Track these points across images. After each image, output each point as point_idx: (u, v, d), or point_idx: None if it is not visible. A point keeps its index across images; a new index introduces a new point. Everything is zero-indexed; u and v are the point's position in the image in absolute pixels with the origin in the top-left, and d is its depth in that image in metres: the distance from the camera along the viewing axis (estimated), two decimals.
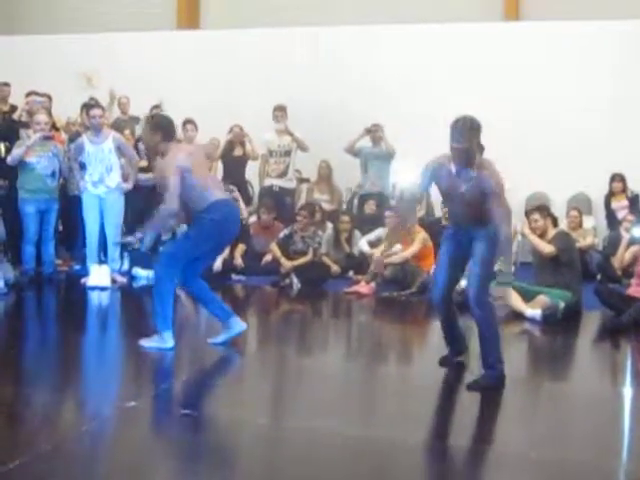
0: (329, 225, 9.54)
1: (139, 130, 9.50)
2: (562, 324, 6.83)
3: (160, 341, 5.47)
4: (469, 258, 4.82)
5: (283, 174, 10.06)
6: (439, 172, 4.73)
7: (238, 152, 10.06)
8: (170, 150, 5.39)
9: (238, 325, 5.72)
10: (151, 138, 5.51)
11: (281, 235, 9.20)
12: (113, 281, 8.17)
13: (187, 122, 9.92)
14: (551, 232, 7.38)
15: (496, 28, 11.04)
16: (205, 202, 5.36)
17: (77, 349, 5.89)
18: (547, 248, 7.16)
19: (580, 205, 10.18)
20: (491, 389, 4.58)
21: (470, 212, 4.67)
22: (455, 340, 5.17)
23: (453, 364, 5.12)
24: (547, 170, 10.20)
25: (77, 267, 8.70)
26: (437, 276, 5.04)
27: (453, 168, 4.63)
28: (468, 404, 4.53)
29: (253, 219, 9.84)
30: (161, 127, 5.47)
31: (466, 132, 4.47)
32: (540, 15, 11.04)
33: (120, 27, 12.14)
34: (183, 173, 5.26)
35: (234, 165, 10.07)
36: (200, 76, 11.48)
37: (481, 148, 4.69)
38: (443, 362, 5.14)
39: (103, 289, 7.93)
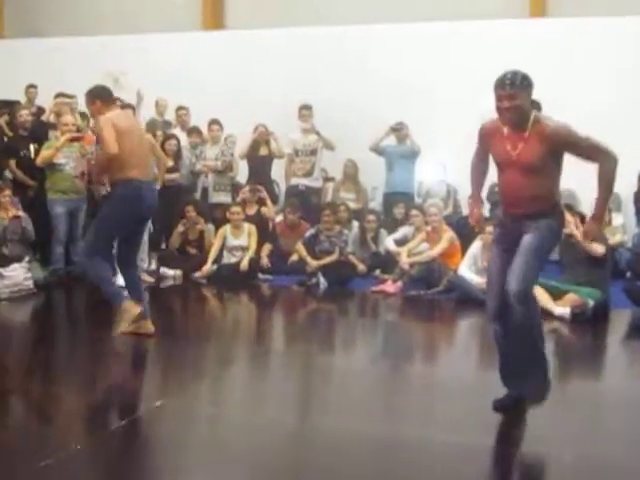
0: (355, 224, 9.54)
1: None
2: (591, 322, 6.78)
3: (125, 314, 5.66)
4: None
5: (309, 173, 10.06)
6: (491, 139, 4.11)
7: (263, 151, 10.07)
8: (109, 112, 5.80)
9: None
10: (92, 107, 5.97)
11: (307, 234, 9.21)
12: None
13: (213, 122, 9.97)
14: (581, 230, 7.34)
15: (522, 25, 10.96)
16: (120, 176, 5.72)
17: (106, 348, 5.94)
18: (599, 248, 7.13)
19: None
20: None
21: (526, 185, 3.96)
22: (517, 374, 4.13)
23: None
24: (575, 168, 10.07)
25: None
26: (491, 285, 4.17)
27: (505, 130, 4.02)
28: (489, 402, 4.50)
29: (279, 219, 9.85)
30: (97, 94, 5.91)
31: (516, 87, 3.88)
32: (568, 12, 10.93)
33: (146, 28, 12.21)
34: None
35: (260, 164, 10.09)
36: (226, 76, 11.51)
37: (537, 106, 4.09)
38: (499, 407, 4.13)
39: None
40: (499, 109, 3.95)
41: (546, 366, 4.10)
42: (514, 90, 3.87)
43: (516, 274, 3.89)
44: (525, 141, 3.94)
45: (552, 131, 3.93)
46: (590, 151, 4.06)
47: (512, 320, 3.96)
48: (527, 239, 3.95)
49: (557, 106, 10.96)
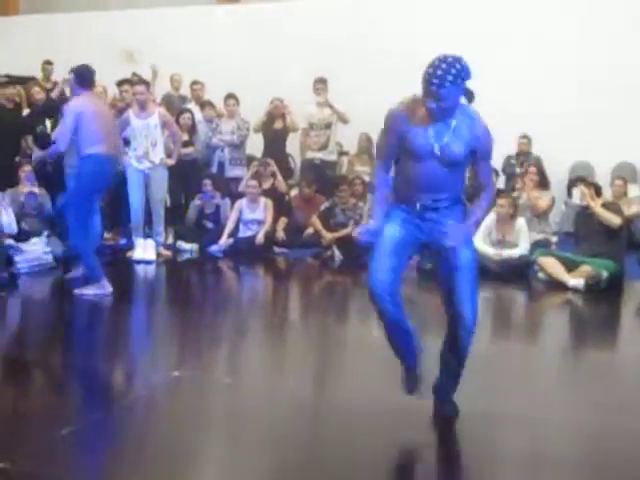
0: (370, 197, 9.55)
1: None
2: (605, 294, 6.79)
3: (99, 288, 6.19)
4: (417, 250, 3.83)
5: (324, 147, 10.06)
6: (403, 125, 3.49)
7: (278, 125, 10.08)
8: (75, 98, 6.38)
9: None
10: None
11: (322, 208, 9.24)
12: (158, 255, 8.31)
13: (229, 97, 9.98)
14: (597, 202, 7.35)
15: None
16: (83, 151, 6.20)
17: (123, 321, 6.03)
18: (615, 219, 7.13)
19: (624, 173, 10.03)
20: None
21: (442, 180, 3.48)
22: (412, 348, 3.70)
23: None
24: (591, 139, 10.05)
25: (123, 241, 8.85)
26: (384, 258, 3.51)
27: (427, 118, 3.44)
28: (512, 375, 4.55)
29: (294, 192, 9.89)
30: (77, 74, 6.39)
31: (448, 74, 3.28)
32: None
33: (160, 3, 12.19)
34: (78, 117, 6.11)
35: (274, 138, 10.10)
36: (240, 50, 11.51)
37: (469, 95, 3.49)
38: (411, 387, 3.75)
39: (148, 262, 8.06)
40: (426, 94, 3.42)
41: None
42: (444, 79, 3.29)
43: (469, 302, 3.50)
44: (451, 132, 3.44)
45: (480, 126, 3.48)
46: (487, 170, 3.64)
47: (457, 341, 3.60)
48: (466, 256, 3.49)
49: (571, 76, 10.86)
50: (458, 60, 3.35)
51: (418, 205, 3.53)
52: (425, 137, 3.44)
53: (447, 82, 3.27)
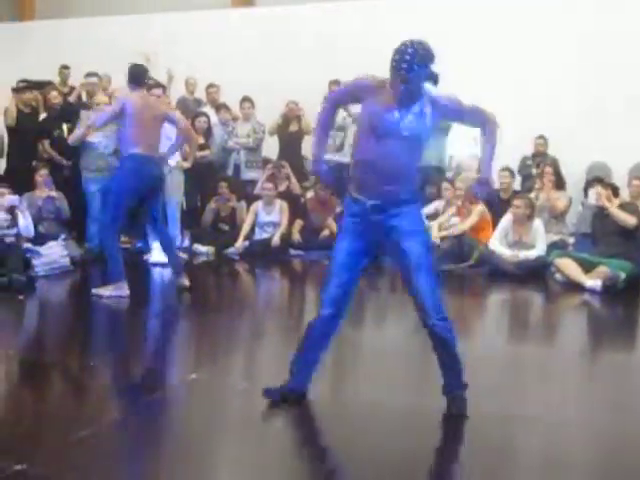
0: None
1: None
2: (622, 295, 6.75)
3: (117, 289, 6.25)
4: (374, 251, 3.84)
5: (339, 149, 10.06)
6: (369, 96, 3.64)
7: (293, 127, 10.09)
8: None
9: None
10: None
11: (338, 210, 9.24)
12: None
13: (244, 100, 10.01)
14: (614, 203, 7.31)
15: None
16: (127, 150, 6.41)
17: (140, 323, 6.05)
18: (630, 220, 7.10)
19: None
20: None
21: (402, 164, 3.57)
22: (310, 371, 3.86)
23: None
24: (608, 139, 9.99)
25: (140, 244, 8.90)
26: (335, 273, 3.72)
27: (392, 101, 3.56)
28: (528, 376, 4.54)
29: (310, 195, 9.89)
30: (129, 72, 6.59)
31: (415, 58, 3.44)
32: None
33: (175, 6, 12.24)
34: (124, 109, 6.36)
35: (290, 141, 10.12)
36: (255, 53, 11.52)
37: (433, 77, 3.59)
38: (273, 394, 3.85)
39: (165, 265, 8.08)
40: (392, 77, 3.58)
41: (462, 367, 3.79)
42: (407, 60, 3.46)
43: (429, 296, 3.61)
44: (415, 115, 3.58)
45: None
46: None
47: (433, 335, 3.72)
48: (416, 251, 3.59)
49: (588, 76, 10.75)
50: (422, 44, 3.50)
51: (369, 205, 3.62)
52: (391, 117, 3.57)
53: (415, 65, 3.45)
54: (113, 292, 6.27)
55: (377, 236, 3.70)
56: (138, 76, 6.62)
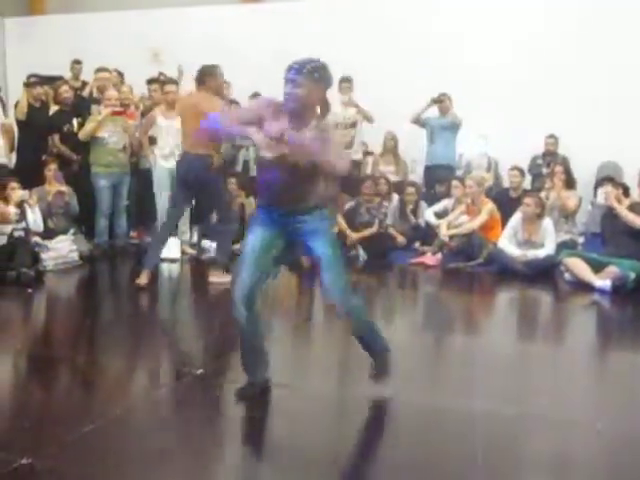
0: (395, 196, 9.53)
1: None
2: (632, 295, 6.72)
3: (142, 276, 6.64)
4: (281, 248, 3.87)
5: (349, 146, 10.04)
6: (266, 114, 3.65)
7: None
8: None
9: None
10: None
11: (347, 207, 9.23)
12: (183, 253, 8.34)
13: (254, 96, 9.97)
14: (625, 202, 7.28)
15: None
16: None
17: (147, 319, 6.06)
18: (639, 220, 7.07)
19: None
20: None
21: (296, 186, 3.63)
22: (259, 362, 3.96)
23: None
24: (619, 139, 9.94)
25: (148, 239, 8.89)
26: (245, 270, 3.76)
27: (285, 119, 3.60)
28: (537, 376, 4.52)
29: None
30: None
31: (306, 77, 3.53)
32: None
33: (186, 2, 12.24)
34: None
35: None
36: (265, 48, 11.50)
37: (325, 106, 3.68)
38: (243, 394, 3.91)
39: (173, 261, 8.10)
40: (284, 95, 3.63)
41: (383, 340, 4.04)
42: (298, 77, 3.54)
43: (336, 291, 3.75)
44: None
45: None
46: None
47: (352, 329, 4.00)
48: (321, 249, 3.71)
49: (598, 76, 10.73)
50: (315, 61, 3.67)
51: (275, 214, 3.73)
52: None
53: (304, 70, 3.53)
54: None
55: (283, 231, 3.78)
56: (198, 76, 7.03)
